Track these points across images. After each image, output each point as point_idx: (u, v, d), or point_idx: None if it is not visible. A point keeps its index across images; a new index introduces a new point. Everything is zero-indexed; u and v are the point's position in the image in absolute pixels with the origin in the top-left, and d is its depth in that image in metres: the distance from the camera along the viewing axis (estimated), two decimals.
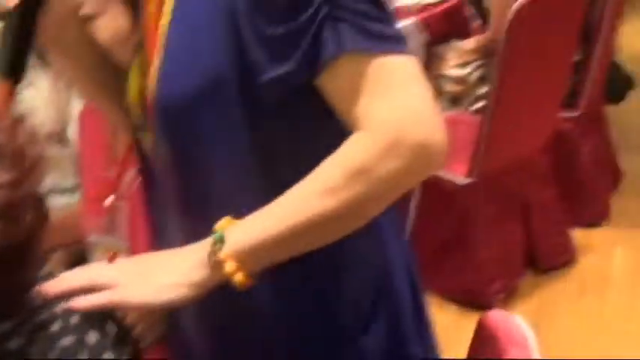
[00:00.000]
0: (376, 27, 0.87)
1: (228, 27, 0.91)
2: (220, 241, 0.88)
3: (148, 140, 1.06)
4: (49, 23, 1.04)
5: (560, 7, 2.47)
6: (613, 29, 2.98)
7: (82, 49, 1.12)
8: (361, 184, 0.86)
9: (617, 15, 2.99)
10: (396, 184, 0.89)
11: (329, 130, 0.94)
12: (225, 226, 0.90)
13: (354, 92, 0.87)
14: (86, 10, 1.09)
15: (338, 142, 0.90)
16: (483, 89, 2.92)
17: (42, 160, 0.77)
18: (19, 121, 0.76)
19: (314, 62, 0.87)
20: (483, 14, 3.19)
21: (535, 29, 2.41)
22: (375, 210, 0.92)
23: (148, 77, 1.00)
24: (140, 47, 1.07)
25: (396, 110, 0.87)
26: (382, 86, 0.87)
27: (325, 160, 0.88)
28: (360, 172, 0.86)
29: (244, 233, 0.89)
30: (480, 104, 2.85)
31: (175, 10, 0.97)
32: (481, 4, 3.23)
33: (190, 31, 0.95)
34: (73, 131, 1.70)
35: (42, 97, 1.79)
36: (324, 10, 0.85)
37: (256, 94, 0.92)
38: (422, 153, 0.87)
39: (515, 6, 2.32)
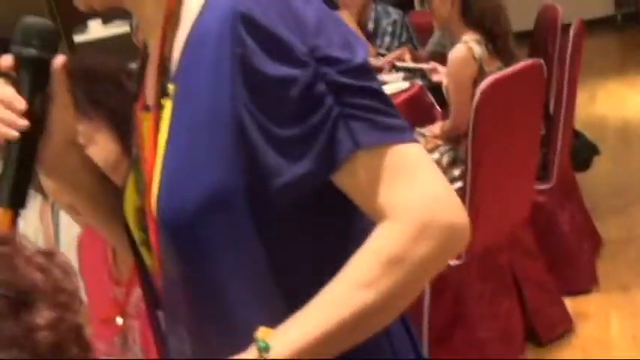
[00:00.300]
0: (385, 120, 0.88)
1: (231, 138, 0.90)
2: (265, 349, 0.86)
3: (150, 257, 1.05)
4: (48, 152, 1.04)
5: (523, 85, 2.56)
6: (573, 100, 3.09)
7: (81, 175, 1.12)
8: (398, 272, 0.86)
9: (575, 86, 3.11)
10: (430, 267, 0.89)
11: (341, 225, 0.94)
12: (267, 334, 0.87)
13: (373, 184, 0.88)
14: (79, 140, 1.10)
15: (352, 236, 0.91)
16: (456, 171, 2.99)
17: (78, 291, 0.75)
18: (50, 255, 0.74)
19: (330, 161, 0.87)
20: (442, 101, 3.31)
21: (502, 107, 2.49)
22: (411, 297, 0.91)
23: (147, 195, 0.98)
24: (135, 165, 1.07)
25: (418, 196, 0.88)
26: (399, 174, 0.88)
27: (356, 254, 0.88)
28: (395, 261, 0.86)
29: (289, 339, 0.87)
30: (455, 186, 2.90)
31: (173, 126, 0.96)
32: (439, 91, 3.34)
33: (190, 147, 0.94)
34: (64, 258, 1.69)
35: (31, 227, 1.78)
36: (336, 110, 0.86)
37: (268, 200, 0.91)
38: (450, 233, 0.88)
39: (481, 86, 2.40)
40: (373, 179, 0.88)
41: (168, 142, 0.96)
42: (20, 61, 0.98)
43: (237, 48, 0.87)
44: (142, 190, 1.03)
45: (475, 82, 2.93)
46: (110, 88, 1.29)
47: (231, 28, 0.88)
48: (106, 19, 8.73)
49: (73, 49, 5.63)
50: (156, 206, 0.96)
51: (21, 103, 0.98)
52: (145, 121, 1.04)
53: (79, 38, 8.45)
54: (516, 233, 2.78)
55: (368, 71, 0.89)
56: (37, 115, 0.99)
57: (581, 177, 3.53)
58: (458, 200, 0.90)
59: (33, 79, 0.99)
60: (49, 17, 9.72)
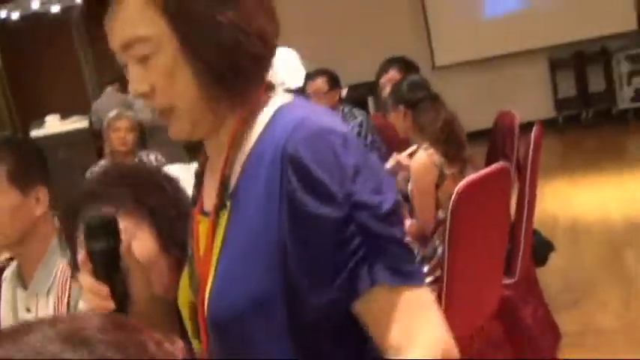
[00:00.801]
0: (405, 267, 1.02)
1: (276, 254, 1.03)
2: None
3: (200, 347, 1.15)
4: (135, 309, 1.19)
5: (493, 186, 2.75)
6: (534, 199, 3.30)
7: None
8: None
9: (535, 186, 3.32)
10: None
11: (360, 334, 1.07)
12: None
13: (388, 320, 1.01)
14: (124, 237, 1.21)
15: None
16: (425, 268, 3.14)
17: None
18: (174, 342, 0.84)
19: (352, 293, 1.01)
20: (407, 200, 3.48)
21: (475, 207, 2.66)
22: None
23: (200, 293, 1.10)
24: (190, 264, 1.19)
25: (432, 335, 1.01)
26: (412, 315, 1.01)
27: None
28: None
29: None
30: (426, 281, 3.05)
31: (227, 235, 1.08)
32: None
33: (241, 256, 1.06)
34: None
35: None
36: (362, 251, 1.00)
37: (301, 312, 1.04)
38: None
39: (458, 187, 2.57)
40: (388, 316, 1.00)
41: (222, 248, 1.08)
42: (92, 254, 1.14)
43: (285, 183, 1.01)
44: (195, 288, 1.14)
45: (437, 186, 3.16)
46: (151, 189, 1.40)
47: (281, 163, 1.02)
48: (65, 114, 8.84)
49: None
50: (207, 305, 1.07)
51: (103, 289, 1.13)
52: (202, 224, 1.15)
53: (36, 133, 8.51)
54: (485, 325, 2.92)
55: (395, 216, 1.03)
56: (119, 291, 1.14)
57: (537, 272, 3.71)
58: (452, 340, 1.04)
59: (106, 265, 1.14)
60: (7, 111, 9.70)
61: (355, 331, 1.06)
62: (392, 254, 1.01)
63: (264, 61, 1.09)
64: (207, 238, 1.11)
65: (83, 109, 8.82)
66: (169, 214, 1.39)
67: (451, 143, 3.17)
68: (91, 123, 8.27)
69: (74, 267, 1.60)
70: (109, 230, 1.16)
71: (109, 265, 1.15)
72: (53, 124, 8.80)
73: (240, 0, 1.04)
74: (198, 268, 1.14)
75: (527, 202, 3.22)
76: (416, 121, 3.22)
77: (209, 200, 1.15)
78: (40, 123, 8.84)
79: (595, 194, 5.94)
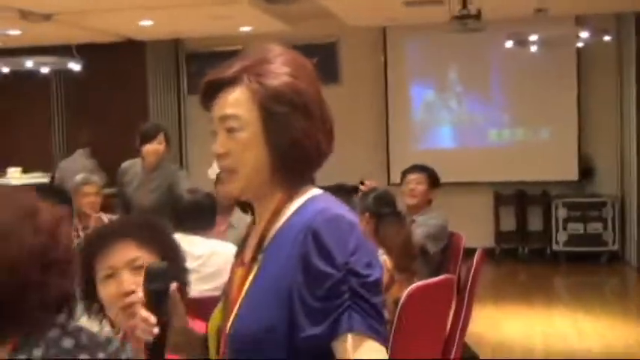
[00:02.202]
0: (375, 325, 1.41)
1: (285, 297, 1.42)
2: None
3: None
4: (173, 338, 1.52)
5: (438, 294, 3.14)
6: (469, 315, 3.70)
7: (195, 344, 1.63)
8: None
9: (472, 303, 3.73)
10: None
11: None
12: None
13: (351, 355, 1.39)
14: None
15: None
16: None
17: None
18: None
19: (334, 332, 1.39)
20: None
21: (421, 310, 3.04)
22: None
23: (227, 319, 1.49)
24: (225, 299, 1.56)
25: None
26: (369, 355, 1.40)
27: None
28: None
29: None
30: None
31: (255, 279, 1.49)
32: None
33: (262, 295, 1.46)
34: None
35: None
36: (347, 304, 1.39)
37: (296, 344, 1.42)
38: None
39: (409, 290, 2.96)
40: (350, 355, 1.39)
41: (249, 289, 1.49)
42: (149, 292, 1.48)
43: (304, 248, 1.42)
44: (225, 316, 1.53)
45: (387, 289, 3.54)
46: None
47: (305, 232, 1.43)
48: (26, 169, 9.09)
49: None
50: (230, 326, 1.47)
51: (153, 318, 1.45)
52: (238, 272, 1.54)
53: None
54: None
55: (376, 287, 1.44)
56: (163, 321, 1.48)
57: None
58: None
59: (158, 301, 1.48)
60: None
61: None
62: (366, 312, 1.41)
63: (313, 163, 1.53)
64: (241, 281, 1.51)
65: (45, 167, 9.08)
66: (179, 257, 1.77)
67: (405, 256, 3.59)
68: (52, 179, 8.53)
69: (89, 309, 1.91)
70: (164, 275, 1.50)
71: (160, 301, 1.48)
72: (14, 176, 9.03)
73: (311, 118, 1.48)
74: (230, 303, 1.52)
75: (462, 316, 3.62)
76: (379, 230, 3.63)
77: (248, 252, 1.54)
78: (2, 173, 9.06)
79: (521, 324, 6.39)
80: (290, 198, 1.52)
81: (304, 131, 1.47)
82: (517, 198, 9.33)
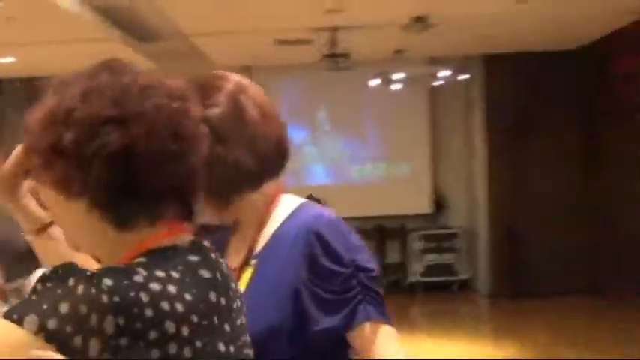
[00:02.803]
0: (384, 311, 1.52)
1: (289, 297, 1.49)
2: None
3: None
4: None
5: None
6: None
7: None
8: None
9: None
10: None
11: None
12: None
13: (372, 344, 1.50)
14: None
15: None
16: None
17: None
18: None
19: (351, 322, 1.49)
20: None
21: None
22: None
23: None
24: None
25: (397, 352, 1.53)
26: (387, 342, 1.52)
27: None
28: None
29: None
30: None
31: (252, 282, 1.54)
32: None
33: (262, 297, 1.52)
34: None
35: None
36: (360, 296, 1.50)
37: (308, 339, 1.50)
38: None
39: None
40: (372, 341, 1.51)
41: (247, 291, 1.52)
42: None
43: (307, 248, 1.52)
44: None
45: None
46: None
47: (306, 235, 1.52)
48: None
49: None
50: None
51: None
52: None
53: None
54: None
55: (379, 278, 1.56)
56: None
57: None
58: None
59: None
60: None
61: (340, 354, 1.54)
62: (377, 302, 1.52)
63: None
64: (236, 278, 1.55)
65: None
66: None
67: None
68: None
69: None
70: None
71: None
72: None
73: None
74: None
75: None
76: None
77: (235, 258, 1.59)
78: None
79: None
80: (274, 206, 1.62)
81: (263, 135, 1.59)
82: (377, 232, 9.69)
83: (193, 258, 1.15)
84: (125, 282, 1.04)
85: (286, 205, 1.62)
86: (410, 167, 9.66)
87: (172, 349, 1.06)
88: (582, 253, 8.74)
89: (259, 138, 1.57)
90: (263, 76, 9.38)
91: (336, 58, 6.62)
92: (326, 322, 1.48)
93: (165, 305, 1.06)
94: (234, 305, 1.20)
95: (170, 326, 1.06)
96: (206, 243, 1.21)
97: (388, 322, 1.52)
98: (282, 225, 1.59)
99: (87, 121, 1.12)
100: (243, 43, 6.91)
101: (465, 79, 8.86)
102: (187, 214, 1.19)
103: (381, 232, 9.72)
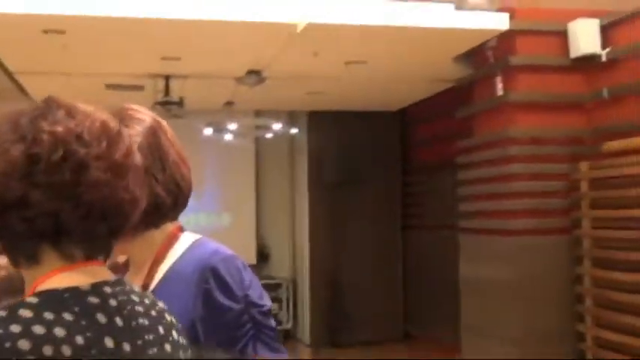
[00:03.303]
0: (275, 345, 1.63)
1: (186, 329, 1.47)
2: None
3: None
4: None
5: None
6: None
7: None
8: None
9: None
10: None
11: None
12: None
13: None
14: None
15: None
16: None
17: None
18: None
19: (242, 356, 1.57)
20: None
21: None
22: None
23: None
24: None
25: None
26: None
27: None
28: None
29: None
30: None
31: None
32: None
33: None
34: None
35: None
36: (251, 333, 1.59)
37: None
38: None
39: None
40: None
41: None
42: None
43: (204, 284, 1.58)
44: None
45: None
46: None
47: (202, 271, 1.59)
48: None
49: None
50: None
51: None
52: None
53: None
54: None
55: (270, 313, 1.66)
56: None
57: None
58: None
59: None
60: None
61: None
62: (269, 337, 1.61)
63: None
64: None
65: None
66: None
67: None
68: None
69: None
70: None
71: None
72: None
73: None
74: None
75: None
76: None
77: None
78: None
79: None
80: (171, 244, 1.65)
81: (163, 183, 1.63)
82: None
83: (93, 300, 1.15)
84: (0, 331, 1.03)
85: (183, 241, 1.66)
86: (236, 218, 9.74)
87: None
88: (398, 303, 9.18)
89: (177, 176, 1.61)
90: None
91: (169, 105, 6.63)
92: (220, 357, 1.55)
93: (48, 350, 1.04)
94: (153, 351, 1.20)
95: None
96: (110, 287, 1.19)
97: (277, 355, 1.61)
98: (178, 261, 1.63)
99: None
100: (73, 85, 6.74)
101: (291, 134, 9.14)
102: (83, 256, 1.18)
103: None
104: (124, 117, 1.55)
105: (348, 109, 8.77)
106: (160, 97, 6.73)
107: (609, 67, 5.56)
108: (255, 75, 6.70)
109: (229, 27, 5.23)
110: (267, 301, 1.63)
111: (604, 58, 5.53)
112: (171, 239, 1.65)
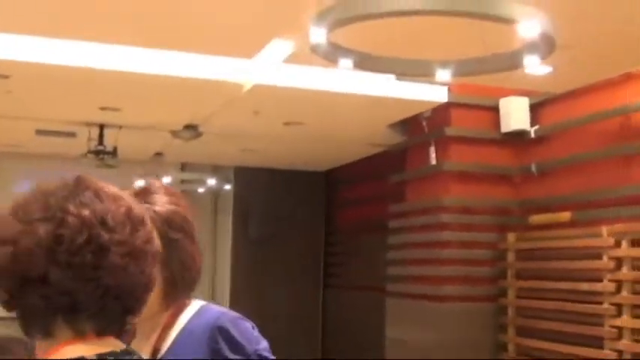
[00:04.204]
0: None
1: None
2: None
3: None
4: None
5: None
6: None
7: None
8: None
9: None
10: None
11: None
12: None
13: None
14: None
15: None
16: None
17: None
18: None
19: None
20: None
21: None
22: None
23: None
24: None
25: None
26: None
27: None
28: None
29: None
30: None
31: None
32: None
33: None
34: None
35: None
36: None
37: None
38: None
39: None
40: None
41: None
42: None
43: (213, 343, 1.66)
44: None
45: None
46: None
47: (211, 331, 1.67)
48: None
49: None
50: None
51: None
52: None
53: None
54: None
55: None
56: None
57: None
58: None
59: None
60: None
61: None
62: None
63: (197, 282, 1.73)
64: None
65: None
66: None
67: None
68: None
69: None
70: None
71: None
72: None
73: (195, 242, 1.69)
74: None
75: None
76: None
77: None
78: None
79: None
80: (180, 311, 1.71)
81: (192, 255, 1.67)
82: None
83: None
84: None
85: (191, 307, 1.73)
86: None
87: None
88: (316, 358, 9.20)
89: (197, 254, 1.67)
90: (23, 163, 8.95)
91: (102, 154, 6.56)
92: None
93: None
94: None
95: None
96: (117, 357, 1.23)
97: None
98: (187, 325, 1.70)
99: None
100: (3, 128, 6.60)
101: (215, 188, 9.16)
102: (97, 330, 1.23)
103: None
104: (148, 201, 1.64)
105: (277, 167, 8.86)
106: (93, 145, 6.64)
107: (537, 144, 5.86)
108: (192, 129, 6.72)
109: (174, 82, 5.26)
110: (271, 355, 1.73)
111: (532, 135, 5.83)
112: (181, 306, 1.72)
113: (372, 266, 8.01)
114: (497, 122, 5.95)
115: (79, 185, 1.23)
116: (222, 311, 1.73)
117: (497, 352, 5.80)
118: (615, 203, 5.03)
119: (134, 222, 1.23)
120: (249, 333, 1.70)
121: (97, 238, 1.17)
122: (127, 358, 1.25)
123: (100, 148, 6.59)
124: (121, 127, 6.64)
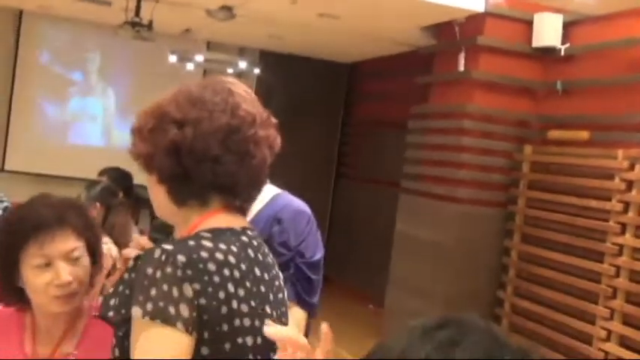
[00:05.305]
0: (304, 295, 2.04)
1: None
2: None
3: None
4: None
5: None
6: None
7: None
8: None
9: None
10: None
11: None
12: None
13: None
14: None
15: None
16: None
17: None
18: None
19: None
20: None
21: None
22: None
23: None
24: None
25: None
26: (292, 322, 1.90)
27: None
28: None
29: None
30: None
31: None
32: None
33: None
34: None
35: None
36: (293, 278, 1.96)
37: None
38: None
39: None
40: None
41: None
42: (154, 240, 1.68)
43: (269, 229, 1.97)
44: None
45: (109, 275, 3.80)
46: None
47: (270, 222, 2.05)
48: None
49: None
50: None
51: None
52: None
53: None
54: None
55: (317, 265, 2.02)
56: None
57: None
58: None
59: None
60: None
61: None
62: (306, 286, 1.98)
63: None
64: None
65: None
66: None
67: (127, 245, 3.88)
68: None
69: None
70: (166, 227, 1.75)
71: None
72: None
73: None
74: None
75: None
76: (108, 219, 3.85)
77: None
78: None
79: None
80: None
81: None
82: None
83: (244, 239, 1.50)
84: (194, 256, 1.36)
85: (265, 193, 1.91)
86: None
87: (234, 304, 1.38)
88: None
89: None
90: (33, 22, 9.02)
91: (138, 27, 6.65)
92: None
93: (226, 272, 1.40)
94: (276, 283, 1.55)
95: (231, 288, 1.38)
96: (251, 232, 1.53)
97: (301, 304, 1.90)
98: (257, 214, 1.95)
99: (159, 117, 1.46)
100: None
101: (244, 72, 9.27)
102: (236, 206, 1.52)
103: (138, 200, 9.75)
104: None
105: (302, 54, 8.96)
106: (131, 16, 6.73)
107: (565, 62, 5.99)
108: (226, 10, 6.80)
109: None
110: (317, 254, 1.95)
111: (562, 53, 5.95)
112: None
113: (387, 162, 8.27)
114: (529, 36, 6.06)
115: (234, 90, 1.52)
116: (287, 203, 2.00)
117: (500, 255, 6.13)
118: (634, 129, 5.22)
119: (271, 122, 1.55)
120: (302, 229, 1.94)
121: (255, 133, 1.47)
122: (256, 233, 1.54)
123: (137, 20, 6.67)
124: (158, 0, 6.71)
